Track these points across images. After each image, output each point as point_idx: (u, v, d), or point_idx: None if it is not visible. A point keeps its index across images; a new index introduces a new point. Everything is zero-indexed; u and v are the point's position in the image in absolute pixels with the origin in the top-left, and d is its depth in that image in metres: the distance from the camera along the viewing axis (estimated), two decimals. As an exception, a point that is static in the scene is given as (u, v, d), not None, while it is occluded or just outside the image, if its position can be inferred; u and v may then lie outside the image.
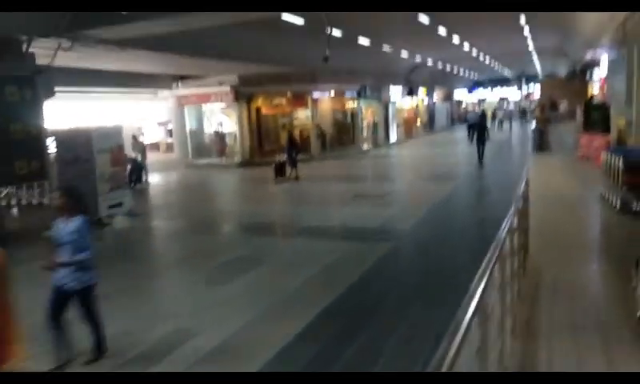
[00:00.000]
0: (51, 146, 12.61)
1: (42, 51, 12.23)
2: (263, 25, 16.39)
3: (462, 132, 32.43)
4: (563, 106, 34.97)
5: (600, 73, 23.94)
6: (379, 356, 4.71)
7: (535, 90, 48.81)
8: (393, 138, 33.03)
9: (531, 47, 29.12)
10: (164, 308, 6.67)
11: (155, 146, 35.44)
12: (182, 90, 24.78)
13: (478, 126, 20.12)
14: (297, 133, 26.22)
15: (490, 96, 57.24)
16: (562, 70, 39.96)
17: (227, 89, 23.45)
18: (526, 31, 22.13)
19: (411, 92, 36.65)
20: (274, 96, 25.48)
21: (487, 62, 37.37)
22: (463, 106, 52.00)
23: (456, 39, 23.68)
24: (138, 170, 18.36)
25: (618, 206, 9.49)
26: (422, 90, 39.74)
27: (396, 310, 5.92)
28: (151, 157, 31.90)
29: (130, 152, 18.64)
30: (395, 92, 33.54)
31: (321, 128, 25.98)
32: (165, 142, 34.04)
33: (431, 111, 43.52)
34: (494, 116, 40.90)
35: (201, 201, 15.51)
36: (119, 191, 12.83)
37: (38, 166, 11.30)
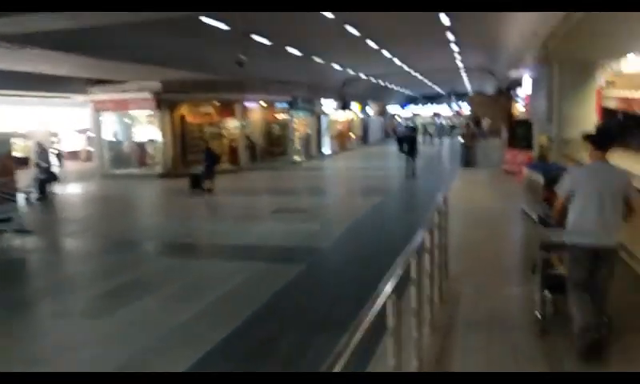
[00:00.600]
0: None
1: None
2: (184, 28, 15.37)
3: (394, 145, 32.51)
4: (485, 122, 36.09)
5: (524, 91, 24.68)
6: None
7: (464, 106, 50.34)
8: (326, 150, 32.61)
9: (460, 65, 29.76)
10: (20, 347, 5.48)
11: (75, 155, 33.12)
12: (99, 95, 22.99)
13: (408, 140, 20.22)
14: (225, 143, 25.21)
15: (423, 112, 58.65)
16: (490, 88, 41.42)
17: (148, 95, 21.97)
18: (454, 47, 22.39)
19: (345, 105, 36.50)
20: (200, 104, 24.25)
21: (419, 78, 38.02)
22: (397, 120, 52.79)
23: (386, 53, 23.61)
24: (43, 181, 16.57)
25: (537, 220, 9.25)
26: (355, 104, 39.76)
27: (294, 345, 5.09)
28: (70, 166, 29.87)
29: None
30: (328, 105, 33.21)
31: (250, 139, 25.00)
32: (85, 150, 31.78)
33: (365, 125, 43.68)
34: (425, 131, 41.66)
35: (105, 215, 14.06)
36: (8, 205, 11.29)
37: None
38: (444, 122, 50.32)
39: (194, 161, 23.01)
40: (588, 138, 4.22)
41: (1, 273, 8.57)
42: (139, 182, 21.15)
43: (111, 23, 10.30)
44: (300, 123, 30.27)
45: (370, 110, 46.07)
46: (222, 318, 5.93)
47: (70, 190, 18.85)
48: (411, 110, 59.14)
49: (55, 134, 31.60)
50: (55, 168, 20.46)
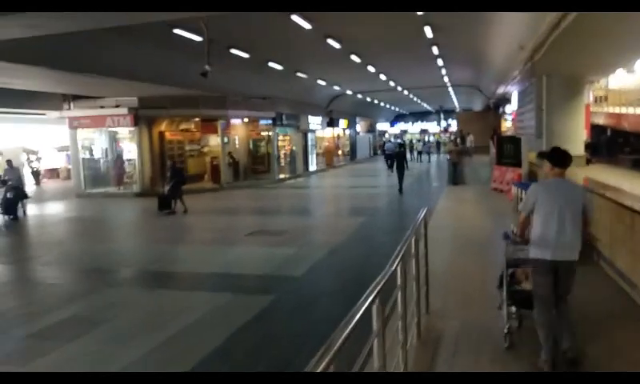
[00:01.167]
0: None
1: None
2: (159, 40, 14.73)
3: (383, 162, 31.97)
4: (470, 139, 35.80)
5: (511, 107, 24.32)
6: None
7: (453, 123, 50.15)
8: (312, 167, 31.96)
9: (447, 81, 29.41)
10: None
11: (55, 173, 32.17)
12: (75, 112, 22.17)
13: (397, 156, 20.28)
14: (206, 161, 24.46)
15: (412, 129, 58.49)
16: (478, 105, 41.21)
17: (125, 111, 21.20)
18: (440, 62, 21.96)
19: (332, 122, 35.98)
20: (180, 121, 23.52)
21: (407, 94, 37.72)
22: (385, 137, 52.44)
23: (371, 69, 23.14)
24: (10, 200, 15.68)
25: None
26: (343, 121, 39.28)
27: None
28: (49, 184, 28.89)
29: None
30: (315, 121, 32.66)
31: (233, 156, 24.27)
32: (65, 168, 30.86)
33: (353, 142, 43.20)
34: (412, 148, 41.30)
35: (67, 239, 13.12)
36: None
37: None
38: (432, 139, 50.10)
39: (184, 179, 22.25)
40: (545, 156, 4.30)
41: None
42: (115, 201, 20.28)
43: (68, 31, 9.51)
44: (285, 140, 29.64)
45: (359, 127, 45.65)
46: (167, 362, 5.13)
47: (41, 211, 17.92)
48: (400, 127, 58.97)
49: (35, 152, 30.78)
50: (27, 186, 19.58)
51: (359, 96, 35.83)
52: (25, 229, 14.82)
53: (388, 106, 48.30)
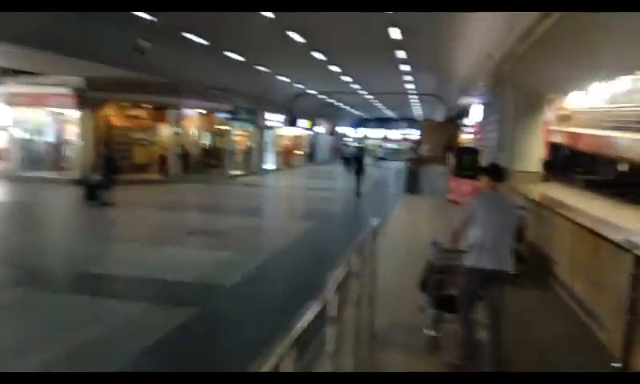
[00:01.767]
0: None
1: None
2: (109, 16, 13.43)
3: (342, 165, 31.34)
4: (424, 149, 35.59)
5: (472, 119, 24.15)
6: None
7: (415, 132, 50.21)
8: (269, 166, 30.97)
9: (410, 87, 29.10)
10: None
11: (-2, 153, 29.84)
12: (12, 88, 20.40)
13: (355, 160, 20.39)
14: (154, 151, 23.09)
15: (374, 134, 58.39)
16: (440, 116, 41.30)
17: (69, 91, 19.64)
18: (404, 67, 21.49)
19: (292, 121, 35.10)
20: (129, 106, 22.06)
21: (370, 99, 37.31)
22: (347, 140, 52.00)
23: (334, 68, 22.45)
24: None
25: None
26: (304, 121, 38.46)
27: None
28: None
29: None
30: (275, 119, 31.69)
31: (184, 148, 23.00)
32: (5, 149, 28.62)
33: (313, 142, 42.46)
34: (373, 153, 41.03)
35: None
36: None
37: None
38: (392, 146, 50.07)
39: (117, 168, 20.81)
40: (485, 170, 4.58)
41: None
42: (50, 187, 18.66)
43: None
44: (242, 135, 28.55)
45: (321, 129, 44.97)
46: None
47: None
48: (363, 131, 58.72)
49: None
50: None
51: (322, 97, 35.12)
52: None
53: (352, 109, 47.88)
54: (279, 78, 25.63)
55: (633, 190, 9.41)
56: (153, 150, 23.06)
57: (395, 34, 14.82)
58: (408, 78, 24.59)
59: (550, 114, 16.23)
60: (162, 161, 22.19)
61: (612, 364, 4.43)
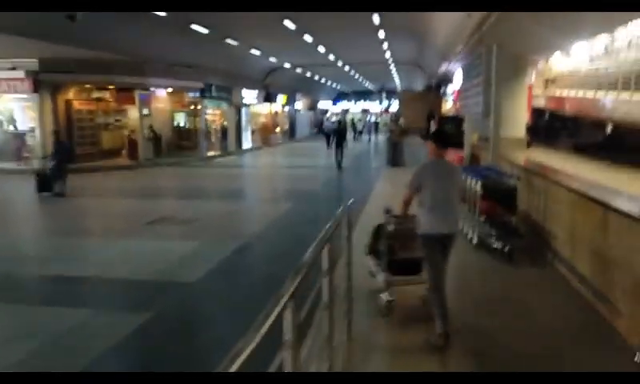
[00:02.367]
0: None
1: None
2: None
3: (323, 141, 30.38)
4: (403, 120, 34.87)
5: (453, 87, 23.37)
6: None
7: (394, 104, 49.34)
8: (246, 145, 29.90)
9: (388, 57, 28.10)
10: None
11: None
12: (-37, 73, 18.94)
13: (336, 135, 20.08)
14: (122, 135, 21.92)
15: (354, 108, 57.37)
16: (419, 85, 40.41)
17: (22, 75, 18.29)
18: (381, 34, 20.50)
19: (269, 97, 33.89)
20: (92, 89, 20.75)
21: (349, 72, 36.22)
22: (327, 115, 50.89)
23: (308, 38, 21.33)
24: None
25: (475, 241, 7.30)
26: (281, 97, 37.25)
27: None
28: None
29: None
30: (250, 95, 30.49)
31: (154, 130, 21.84)
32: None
33: (292, 119, 41.33)
34: (353, 127, 40.08)
35: None
36: None
37: None
38: (373, 119, 49.15)
39: (85, 155, 19.67)
40: (432, 137, 4.65)
41: None
42: (8, 179, 17.47)
43: None
44: (216, 114, 27.39)
45: (300, 104, 43.80)
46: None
47: None
48: (342, 105, 57.64)
49: None
50: None
51: (298, 70, 33.92)
52: None
53: (330, 82, 46.69)
54: (251, 51, 24.41)
55: (622, 152, 8.80)
56: (121, 134, 21.87)
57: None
58: (385, 44, 23.56)
59: (533, 77, 15.52)
60: (133, 145, 21.03)
61: (636, 356, 3.67)
